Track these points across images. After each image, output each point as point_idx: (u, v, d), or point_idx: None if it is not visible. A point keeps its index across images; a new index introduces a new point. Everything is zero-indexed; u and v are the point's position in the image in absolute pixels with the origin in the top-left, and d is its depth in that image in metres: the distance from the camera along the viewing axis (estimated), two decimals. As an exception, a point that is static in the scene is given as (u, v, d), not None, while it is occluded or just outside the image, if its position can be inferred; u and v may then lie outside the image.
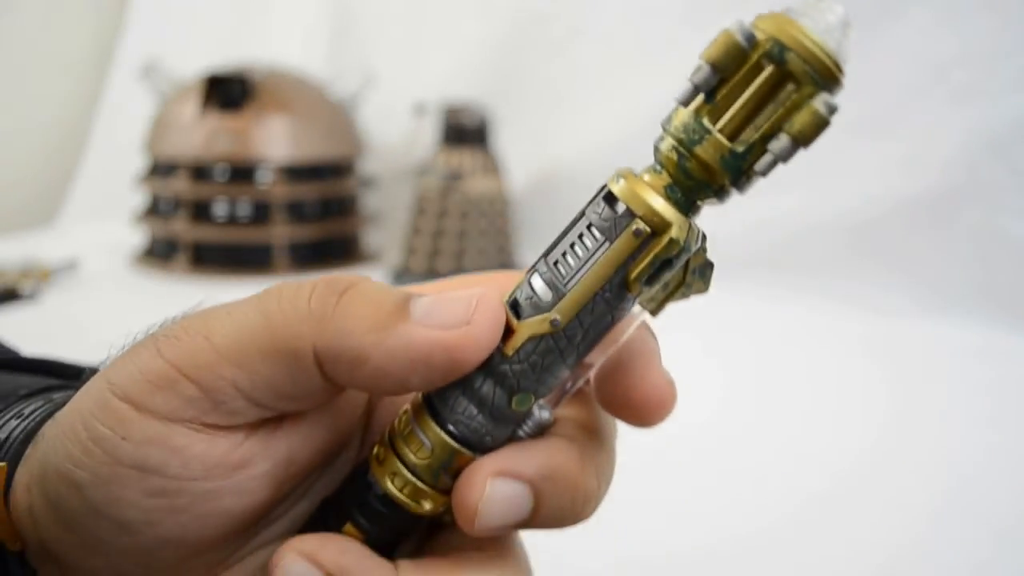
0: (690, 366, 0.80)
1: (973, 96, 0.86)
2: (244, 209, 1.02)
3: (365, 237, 1.15)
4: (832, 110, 0.19)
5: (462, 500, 0.21)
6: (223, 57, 1.10)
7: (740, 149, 0.20)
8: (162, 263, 1.05)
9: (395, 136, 1.18)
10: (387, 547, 0.23)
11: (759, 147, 0.20)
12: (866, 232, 0.91)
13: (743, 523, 0.48)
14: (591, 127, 1.05)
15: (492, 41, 1.13)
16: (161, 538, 0.22)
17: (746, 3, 0.97)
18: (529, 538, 0.24)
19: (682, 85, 0.20)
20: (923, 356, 0.77)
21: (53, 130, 1.46)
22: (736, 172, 0.20)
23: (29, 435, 0.24)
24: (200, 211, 1.02)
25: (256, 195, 1.02)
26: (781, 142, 0.19)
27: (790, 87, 0.19)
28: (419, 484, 0.22)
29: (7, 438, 0.25)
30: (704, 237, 0.22)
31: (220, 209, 1.03)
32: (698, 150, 0.20)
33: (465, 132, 0.98)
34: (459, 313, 0.21)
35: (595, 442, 0.23)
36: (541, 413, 0.22)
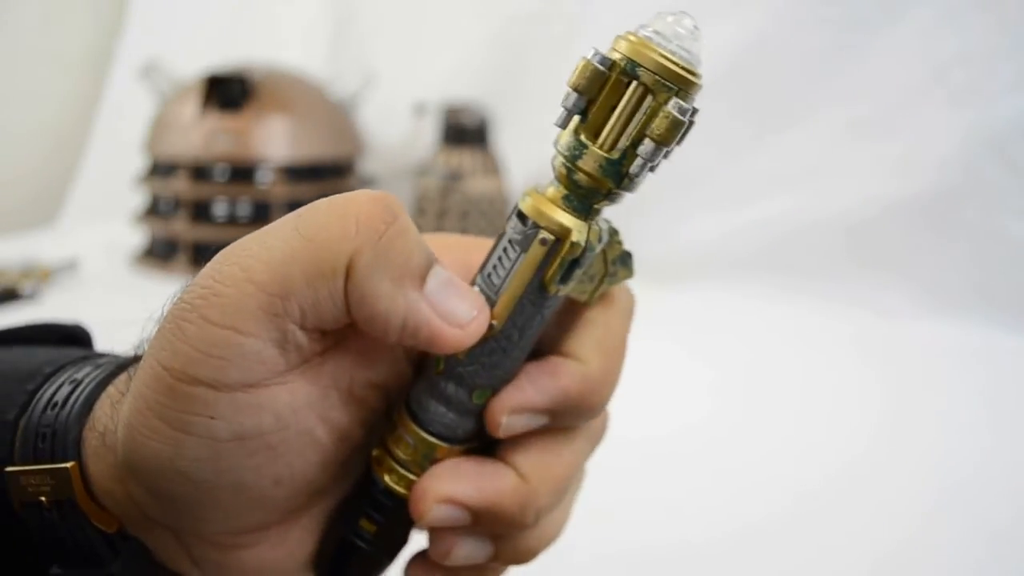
0: (687, 366, 0.80)
1: (972, 96, 0.86)
2: (244, 209, 1.02)
3: (365, 237, 1.15)
4: (684, 111, 0.22)
5: (413, 512, 0.25)
6: (223, 57, 1.10)
7: (615, 156, 0.22)
8: (162, 263, 1.05)
9: (395, 136, 1.18)
10: (398, 535, 0.27)
11: (631, 153, 0.22)
12: (864, 232, 0.91)
13: (742, 526, 0.48)
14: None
15: (492, 41, 1.13)
16: (273, 480, 0.23)
17: (743, 3, 0.97)
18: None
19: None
20: (921, 357, 0.77)
21: (53, 130, 1.46)
22: (617, 177, 0.23)
23: (86, 405, 0.25)
24: (200, 211, 1.02)
25: (256, 195, 1.02)
26: (646, 146, 0.22)
27: (649, 97, 0.22)
28: (410, 476, 0.25)
29: (56, 419, 0.25)
30: (614, 231, 0.25)
31: (220, 209, 1.03)
32: (580, 163, 0.23)
33: (465, 132, 0.98)
34: (462, 313, 0.23)
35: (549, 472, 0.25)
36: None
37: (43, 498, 0.24)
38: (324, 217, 0.23)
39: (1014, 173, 0.84)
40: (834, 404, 0.66)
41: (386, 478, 0.25)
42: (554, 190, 0.24)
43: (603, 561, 0.44)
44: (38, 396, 0.26)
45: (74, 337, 0.32)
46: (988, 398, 0.68)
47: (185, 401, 0.22)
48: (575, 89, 0.22)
